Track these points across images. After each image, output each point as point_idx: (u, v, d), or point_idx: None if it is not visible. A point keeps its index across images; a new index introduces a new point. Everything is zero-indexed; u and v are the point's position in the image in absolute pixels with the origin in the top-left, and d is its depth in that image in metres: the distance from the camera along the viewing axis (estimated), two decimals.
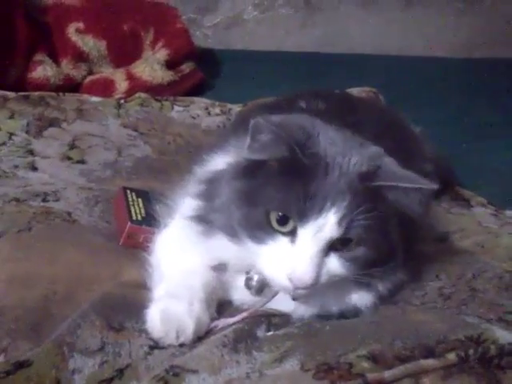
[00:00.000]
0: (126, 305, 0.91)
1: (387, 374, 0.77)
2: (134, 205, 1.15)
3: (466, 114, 1.92)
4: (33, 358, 0.80)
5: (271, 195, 0.84)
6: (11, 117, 1.48)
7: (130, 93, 1.80)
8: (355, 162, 0.86)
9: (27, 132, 1.44)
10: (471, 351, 0.81)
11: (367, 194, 0.85)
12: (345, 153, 0.86)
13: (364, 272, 0.87)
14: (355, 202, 0.83)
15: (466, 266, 1.08)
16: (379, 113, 1.33)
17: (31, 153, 1.37)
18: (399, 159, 1.13)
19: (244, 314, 0.89)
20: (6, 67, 1.75)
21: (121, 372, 0.81)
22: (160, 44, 1.96)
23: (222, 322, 0.90)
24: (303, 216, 0.82)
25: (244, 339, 0.86)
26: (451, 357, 0.80)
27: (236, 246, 0.88)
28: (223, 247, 0.90)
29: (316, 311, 0.92)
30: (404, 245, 0.93)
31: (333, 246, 0.85)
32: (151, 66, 1.90)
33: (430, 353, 0.81)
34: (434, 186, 0.87)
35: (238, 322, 0.89)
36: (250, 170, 0.87)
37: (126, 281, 0.99)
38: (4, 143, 1.39)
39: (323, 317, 0.92)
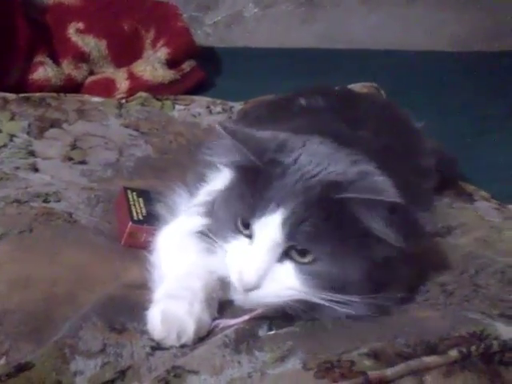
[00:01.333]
0: (128, 306, 0.91)
1: (389, 372, 0.76)
2: (134, 204, 1.15)
3: (468, 108, 1.92)
4: (34, 361, 0.80)
5: (237, 201, 0.86)
6: (12, 118, 1.48)
7: (131, 92, 1.80)
8: (327, 173, 0.84)
9: (28, 133, 1.44)
10: (474, 347, 0.81)
11: (329, 206, 0.81)
12: (319, 163, 0.85)
13: (337, 296, 0.83)
14: (307, 209, 0.81)
15: (469, 261, 1.07)
16: (379, 108, 1.32)
17: (32, 154, 1.37)
18: (398, 154, 1.14)
19: (246, 317, 0.88)
20: (7, 69, 1.75)
21: (122, 373, 0.81)
22: (161, 43, 1.96)
23: (224, 322, 0.89)
24: (253, 217, 0.83)
25: (245, 339, 0.85)
26: (453, 353, 0.80)
27: None
28: (223, 264, 0.88)
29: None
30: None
31: (289, 256, 0.83)
32: (152, 65, 1.90)
33: (432, 350, 0.80)
34: (394, 200, 0.81)
35: (240, 323, 0.88)
36: (230, 179, 0.91)
37: (128, 281, 0.99)
38: (5, 145, 1.39)
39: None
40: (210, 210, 0.93)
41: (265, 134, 0.91)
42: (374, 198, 0.81)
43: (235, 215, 0.86)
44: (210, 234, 0.89)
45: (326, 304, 0.83)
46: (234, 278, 0.85)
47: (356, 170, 0.85)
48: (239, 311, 0.90)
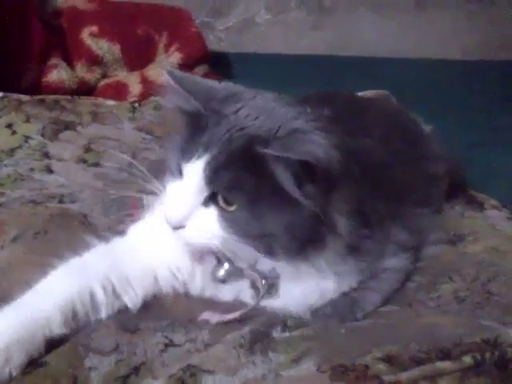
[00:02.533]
0: (141, 306, 0.92)
1: (403, 376, 0.77)
2: None
3: (479, 116, 1.92)
4: (49, 359, 0.80)
5: (177, 146, 0.89)
6: (27, 120, 1.49)
7: (143, 96, 1.81)
8: (258, 127, 0.84)
9: (43, 135, 1.45)
10: (487, 354, 0.81)
11: (251, 159, 0.82)
12: (257, 117, 0.85)
13: (259, 246, 0.84)
14: (228, 157, 0.82)
15: (481, 268, 1.08)
16: (387, 114, 1.32)
17: (47, 156, 1.38)
18: (406, 159, 1.14)
19: (236, 313, 0.90)
20: (22, 71, 1.77)
21: (136, 369, 0.82)
22: (174, 47, 1.97)
23: (212, 316, 0.90)
24: (183, 160, 0.86)
25: (260, 340, 0.86)
26: (467, 360, 0.80)
27: None
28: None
29: (302, 308, 0.92)
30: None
31: (216, 202, 0.84)
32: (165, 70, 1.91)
33: (446, 355, 0.81)
34: (306, 158, 0.79)
35: (232, 319, 0.90)
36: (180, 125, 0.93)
37: None
38: (20, 146, 1.40)
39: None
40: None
41: (216, 84, 0.93)
42: (286, 156, 0.80)
43: (175, 160, 0.88)
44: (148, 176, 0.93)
45: (246, 254, 0.85)
46: (164, 216, 0.86)
47: (288, 127, 0.85)
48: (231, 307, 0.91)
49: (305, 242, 0.85)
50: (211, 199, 0.85)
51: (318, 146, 0.82)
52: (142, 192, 0.96)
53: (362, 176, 0.94)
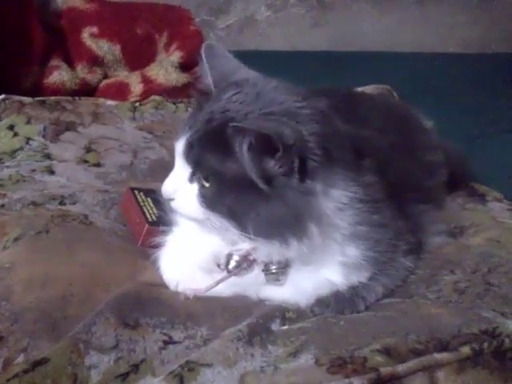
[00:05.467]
0: (141, 301, 0.93)
1: (401, 368, 0.77)
2: (145, 205, 1.16)
3: (480, 109, 1.92)
4: (49, 356, 0.81)
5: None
6: (28, 122, 1.49)
7: (144, 96, 1.82)
8: (238, 110, 0.87)
9: (44, 136, 1.45)
10: (485, 345, 0.81)
11: (223, 138, 0.85)
12: (248, 104, 0.87)
13: (234, 225, 0.87)
14: (202, 135, 0.87)
15: (481, 260, 1.08)
16: (385, 108, 1.33)
17: (48, 157, 1.39)
18: (405, 152, 1.15)
19: (213, 284, 0.95)
20: (23, 73, 1.78)
21: (136, 367, 0.82)
22: (174, 46, 1.97)
23: (192, 290, 0.96)
24: (177, 137, 0.91)
25: (259, 333, 0.87)
26: (465, 350, 0.81)
27: None
28: None
29: (305, 297, 0.94)
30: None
31: (198, 179, 0.89)
32: (165, 69, 1.91)
33: (444, 346, 0.81)
34: (260, 131, 0.81)
35: (208, 289, 0.95)
36: None
37: (143, 281, 1.00)
38: (21, 148, 1.40)
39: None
40: None
41: (238, 67, 0.98)
42: (247, 128, 0.82)
43: None
44: None
45: (229, 233, 0.89)
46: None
47: (265, 111, 0.86)
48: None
49: (283, 228, 0.86)
50: (195, 176, 0.89)
51: (283, 124, 0.82)
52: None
53: (364, 164, 0.96)
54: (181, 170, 0.91)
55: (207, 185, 0.88)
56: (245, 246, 0.92)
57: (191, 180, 0.90)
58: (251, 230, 0.87)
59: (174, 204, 0.93)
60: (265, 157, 0.83)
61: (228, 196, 0.87)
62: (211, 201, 0.88)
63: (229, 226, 0.88)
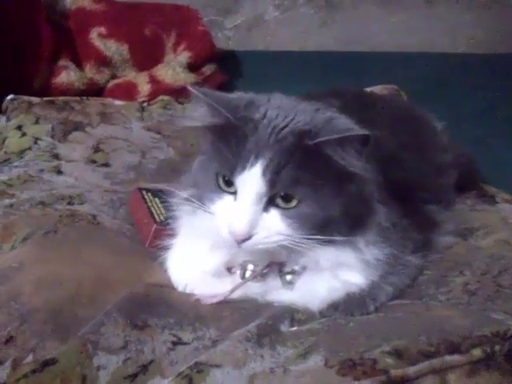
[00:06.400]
0: (149, 302, 0.92)
1: (411, 370, 0.77)
2: (153, 205, 1.16)
3: (489, 109, 1.91)
4: (58, 356, 0.81)
5: (215, 161, 0.90)
6: (36, 122, 1.50)
7: (152, 96, 1.82)
8: (296, 122, 0.88)
9: (52, 136, 1.45)
10: (497, 347, 0.80)
11: (304, 152, 0.85)
12: (287, 115, 0.89)
13: (321, 235, 0.87)
14: (284, 157, 0.85)
15: (491, 262, 1.07)
16: (395, 108, 1.33)
17: (56, 157, 1.39)
18: (414, 152, 1.15)
19: (226, 293, 0.94)
20: (31, 73, 1.78)
21: (145, 368, 0.82)
22: (182, 47, 1.97)
23: (205, 298, 0.94)
24: (234, 173, 0.86)
25: (267, 334, 0.86)
26: (477, 353, 0.80)
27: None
28: (206, 220, 0.91)
29: (318, 301, 0.94)
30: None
31: (274, 203, 0.86)
32: (173, 69, 1.91)
33: (455, 349, 0.80)
34: (365, 132, 0.85)
35: (221, 298, 0.94)
36: (205, 144, 0.96)
37: (151, 282, 1.00)
38: (30, 148, 1.40)
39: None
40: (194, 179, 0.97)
41: (233, 95, 0.96)
42: (344, 136, 0.85)
43: (216, 175, 0.89)
44: (195, 201, 0.92)
45: (310, 246, 0.87)
46: (225, 234, 0.87)
47: (322, 117, 0.90)
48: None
49: (354, 222, 0.90)
50: (270, 203, 0.86)
51: (351, 124, 0.89)
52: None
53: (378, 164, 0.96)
54: (253, 202, 0.86)
55: (292, 204, 0.86)
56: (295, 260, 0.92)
57: (267, 209, 0.86)
58: (337, 236, 0.88)
59: (251, 242, 0.87)
60: (361, 156, 0.86)
61: (320, 205, 0.86)
62: (301, 218, 0.86)
63: (315, 237, 0.87)
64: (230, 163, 0.87)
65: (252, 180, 0.85)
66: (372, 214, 0.93)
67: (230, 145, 0.87)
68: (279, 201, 0.86)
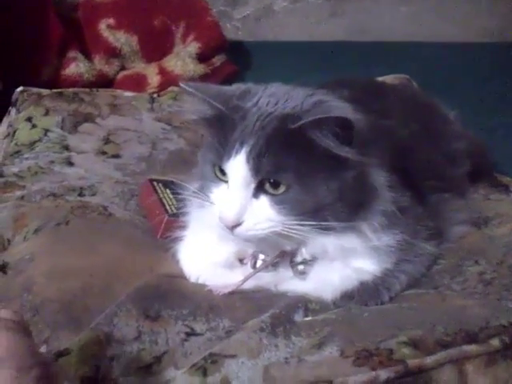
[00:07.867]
0: (162, 293, 0.92)
1: (429, 360, 0.76)
2: (164, 197, 1.15)
3: (502, 99, 1.89)
4: (72, 347, 0.80)
5: (211, 152, 0.91)
6: (46, 113, 1.49)
7: (162, 87, 1.81)
8: (284, 108, 0.87)
9: (62, 128, 1.45)
10: None
11: (288, 136, 0.84)
12: (277, 101, 0.88)
13: (314, 221, 0.85)
14: (266, 142, 0.84)
15: (506, 251, 1.06)
16: (406, 97, 1.32)
17: (67, 148, 1.38)
18: (427, 141, 1.14)
19: (239, 283, 0.94)
20: (40, 65, 1.78)
21: (158, 359, 0.81)
22: (191, 37, 1.97)
23: (218, 288, 0.94)
24: (224, 161, 0.87)
25: (282, 324, 0.86)
26: (495, 343, 0.79)
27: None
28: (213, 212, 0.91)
29: (331, 290, 0.93)
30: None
31: (264, 190, 0.86)
32: (183, 60, 1.91)
33: (472, 338, 0.80)
34: (343, 115, 0.83)
35: (236, 288, 0.94)
36: (206, 136, 0.97)
37: (163, 273, 0.99)
38: (40, 139, 1.40)
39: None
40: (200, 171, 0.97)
41: (228, 87, 0.96)
42: (323, 118, 0.82)
43: (213, 165, 0.90)
44: (201, 194, 0.93)
45: (305, 233, 0.86)
46: (219, 220, 0.87)
47: (311, 101, 0.88)
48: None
49: (353, 207, 0.87)
50: (259, 189, 0.86)
51: (343, 108, 0.86)
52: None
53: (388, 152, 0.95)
54: (241, 188, 0.86)
55: (281, 190, 0.85)
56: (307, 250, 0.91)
57: (256, 195, 0.86)
58: (333, 221, 0.86)
59: (241, 229, 0.87)
60: (345, 141, 0.84)
61: (309, 190, 0.85)
62: (291, 204, 0.85)
63: (307, 223, 0.85)
64: (221, 152, 0.87)
65: (238, 167, 0.85)
66: (375, 199, 0.90)
67: (221, 134, 0.88)
68: (268, 187, 0.86)
